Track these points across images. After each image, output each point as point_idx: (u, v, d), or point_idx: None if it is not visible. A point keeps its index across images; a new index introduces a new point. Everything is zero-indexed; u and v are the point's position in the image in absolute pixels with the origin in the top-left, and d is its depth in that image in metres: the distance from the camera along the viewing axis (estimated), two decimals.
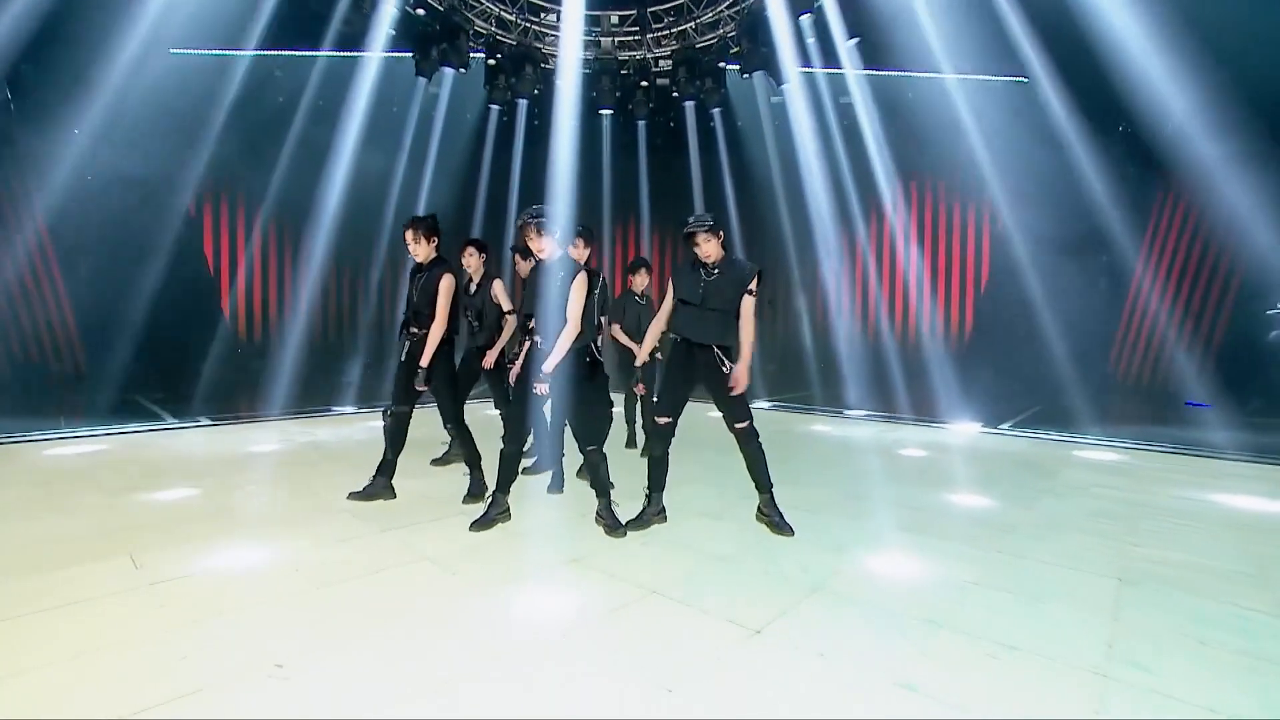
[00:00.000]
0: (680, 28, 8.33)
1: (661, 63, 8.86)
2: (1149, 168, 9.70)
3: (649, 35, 8.39)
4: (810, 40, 8.24)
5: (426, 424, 5.06)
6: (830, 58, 8.47)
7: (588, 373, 3.47)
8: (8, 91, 9.03)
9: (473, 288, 4.59)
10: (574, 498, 4.12)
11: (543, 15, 8.28)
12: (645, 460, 3.65)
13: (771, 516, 3.54)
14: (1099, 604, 2.60)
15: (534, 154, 9.68)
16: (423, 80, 10.21)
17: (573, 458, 4.55)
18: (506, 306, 4.64)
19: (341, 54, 9.66)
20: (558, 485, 4.28)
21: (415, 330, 3.84)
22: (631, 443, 5.76)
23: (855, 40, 7.96)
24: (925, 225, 11.72)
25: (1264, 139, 8.14)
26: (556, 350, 3.29)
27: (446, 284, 3.79)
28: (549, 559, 3.08)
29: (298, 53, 9.83)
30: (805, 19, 7.93)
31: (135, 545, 3.12)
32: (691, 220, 3.33)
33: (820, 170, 10.74)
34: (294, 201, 10.62)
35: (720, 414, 3.49)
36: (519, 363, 3.55)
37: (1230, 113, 8.07)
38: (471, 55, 8.35)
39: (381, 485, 3.89)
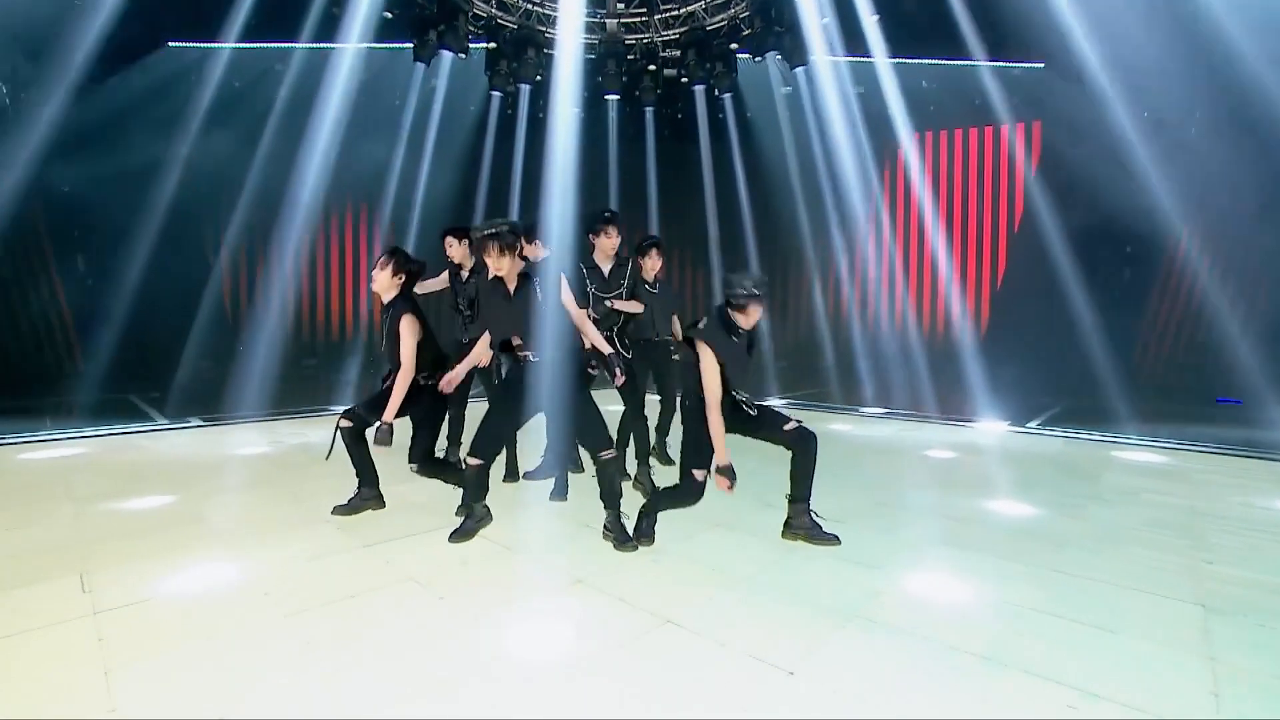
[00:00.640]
0: (689, 8, 7.97)
1: (670, 50, 8.49)
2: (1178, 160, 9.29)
3: (656, 16, 8.04)
4: (826, 20, 7.85)
5: None
6: (852, 41, 8.09)
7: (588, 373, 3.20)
8: (2, 86, 8.82)
9: (464, 275, 4.26)
10: (578, 506, 3.77)
11: None
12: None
13: (807, 528, 3.20)
14: (1187, 639, 2.24)
15: (537, 143, 9.34)
16: (427, 75, 9.91)
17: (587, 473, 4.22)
18: None
19: (341, 45, 9.41)
20: (561, 492, 3.95)
21: (386, 379, 3.51)
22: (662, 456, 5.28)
23: (876, 18, 7.57)
24: (941, 215, 11.31)
25: None
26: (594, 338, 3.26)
27: (407, 327, 3.32)
28: (549, 579, 2.75)
29: (298, 45, 9.58)
30: None
31: (90, 564, 2.81)
32: (748, 287, 2.90)
33: (837, 161, 10.35)
34: (293, 196, 10.33)
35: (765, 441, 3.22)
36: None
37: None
38: (472, 45, 8.05)
39: (367, 496, 3.56)
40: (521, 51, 7.87)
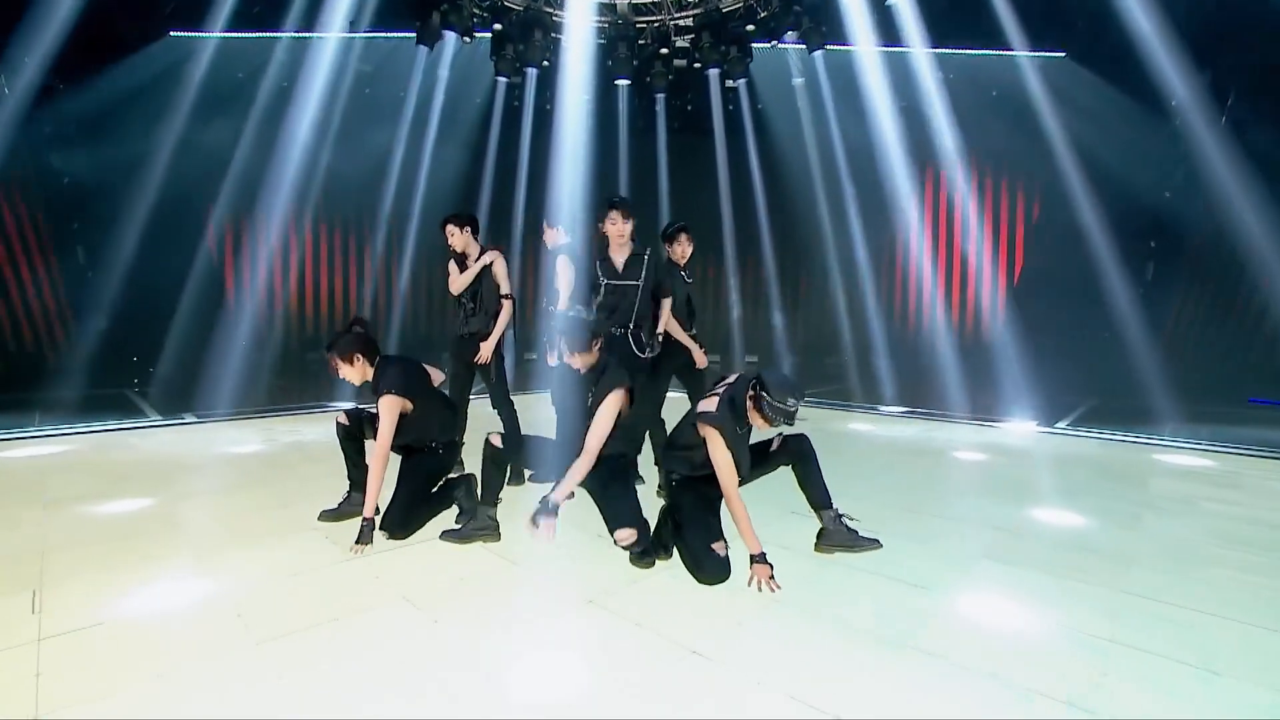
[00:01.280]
0: None
1: (683, 36, 8.16)
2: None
3: None
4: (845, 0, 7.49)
5: None
6: (881, 27, 7.75)
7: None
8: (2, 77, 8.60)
9: (468, 261, 3.96)
10: (588, 513, 3.46)
11: None
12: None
13: (844, 537, 2.90)
14: None
15: (545, 131, 9.04)
16: (431, 61, 9.63)
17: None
18: (505, 289, 4.00)
19: (344, 35, 9.19)
20: (548, 471, 3.68)
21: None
22: None
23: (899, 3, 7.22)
24: (956, 211, 10.93)
25: None
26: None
27: (385, 409, 2.95)
28: (557, 600, 2.45)
29: (299, 35, 9.35)
30: None
31: (48, 578, 2.54)
32: (789, 405, 2.54)
33: (859, 150, 10.02)
34: (296, 187, 10.08)
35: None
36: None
37: None
38: (478, 35, 7.76)
39: (358, 501, 3.27)
40: (529, 34, 7.55)
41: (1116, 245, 9.47)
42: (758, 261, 11.86)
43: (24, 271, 9.04)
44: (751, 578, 2.58)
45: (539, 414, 3.82)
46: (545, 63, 8.09)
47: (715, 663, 2.00)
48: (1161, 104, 9.28)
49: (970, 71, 9.92)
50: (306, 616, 2.26)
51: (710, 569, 2.54)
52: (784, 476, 2.98)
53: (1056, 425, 6.84)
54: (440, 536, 3.02)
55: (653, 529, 2.88)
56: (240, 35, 9.04)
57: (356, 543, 2.90)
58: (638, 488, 3.28)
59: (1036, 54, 9.54)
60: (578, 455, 2.76)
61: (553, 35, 7.71)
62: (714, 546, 2.58)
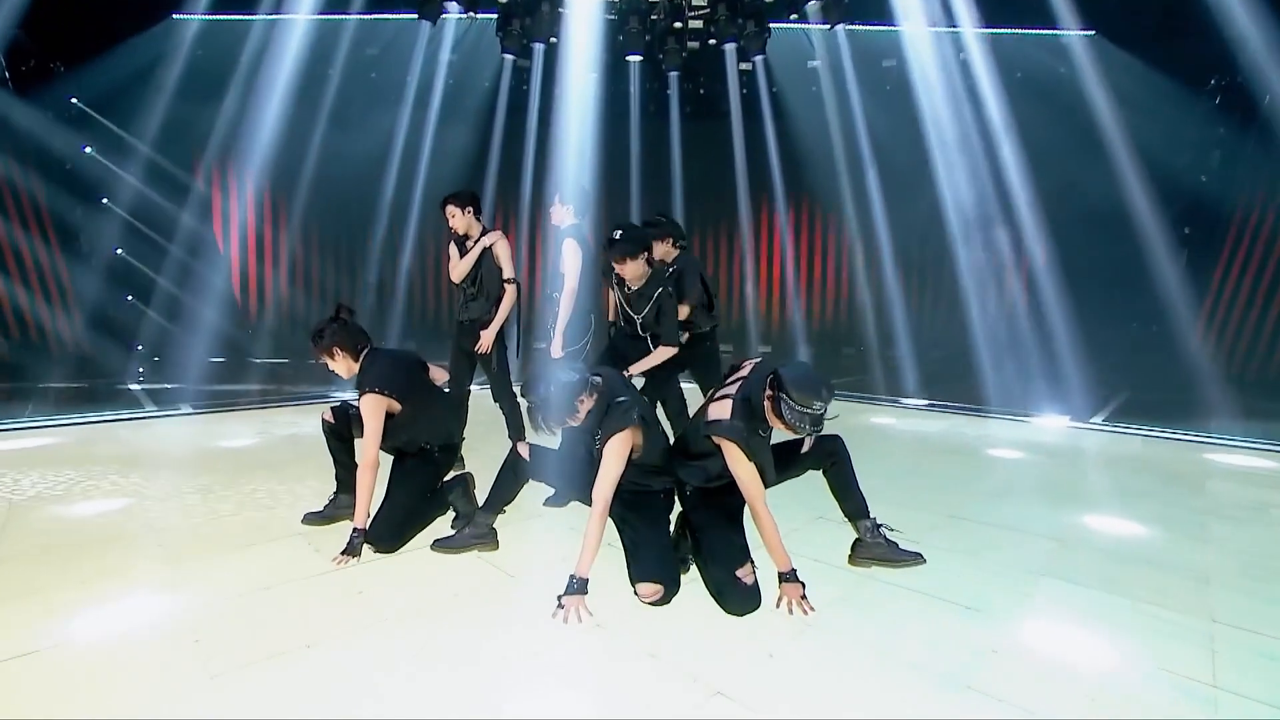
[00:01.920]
0: None
1: (696, 12, 7.76)
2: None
3: None
4: None
5: None
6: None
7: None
8: (2, 59, 8.37)
9: (468, 244, 3.64)
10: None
11: None
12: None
13: (882, 549, 2.59)
14: None
15: (553, 112, 8.69)
16: (434, 38, 9.30)
17: None
18: (509, 273, 3.69)
19: (344, 16, 8.91)
20: (560, 497, 3.39)
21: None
22: None
23: None
24: (977, 195, 10.47)
25: None
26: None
27: (368, 409, 2.66)
28: (560, 624, 2.15)
29: (301, 16, 9.06)
30: None
31: None
32: (815, 409, 2.14)
33: (881, 132, 9.60)
34: (300, 174, 9.83)
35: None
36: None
37: None
38: (481, 15, 7.44)
39: (345, 504, 2.99)
40: (535, 7, 7.20)
41: (1150, 227, 9.03)
42: (773, 247, 11.48)
43: (25, 257, 8.84)
44: (780, 598, 2.27)
45: None
46: (553, 39, 7.73)
47: (741, 705, 1.70)
48: (1198, 82, 8.81)
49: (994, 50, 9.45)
50: (273, 642, 1.98)
51: (737, 601, 2.22)
52: (811, 475, 2.66)
53: (1091, 420, 6.46)
54: (432, 546, 2.74)
55: (677, 536, 2.58)
56: (242, 18, 8.78)
57: (342, 553, 2.62)
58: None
59: (1065, 32, 9.08)
60: (585, 473, 2.43)
61: (559, 9, 7.34)
62: (740, 574, 2.25)
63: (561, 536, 2.96)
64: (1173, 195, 8.93)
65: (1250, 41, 7.47)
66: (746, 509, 2.37)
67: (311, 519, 3.02)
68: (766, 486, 2.37)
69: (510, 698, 1.72)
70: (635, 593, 2.27)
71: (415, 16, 7.85)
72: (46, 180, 8.69)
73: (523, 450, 2.60)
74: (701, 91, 10.02)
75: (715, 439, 2.31)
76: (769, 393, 2.24)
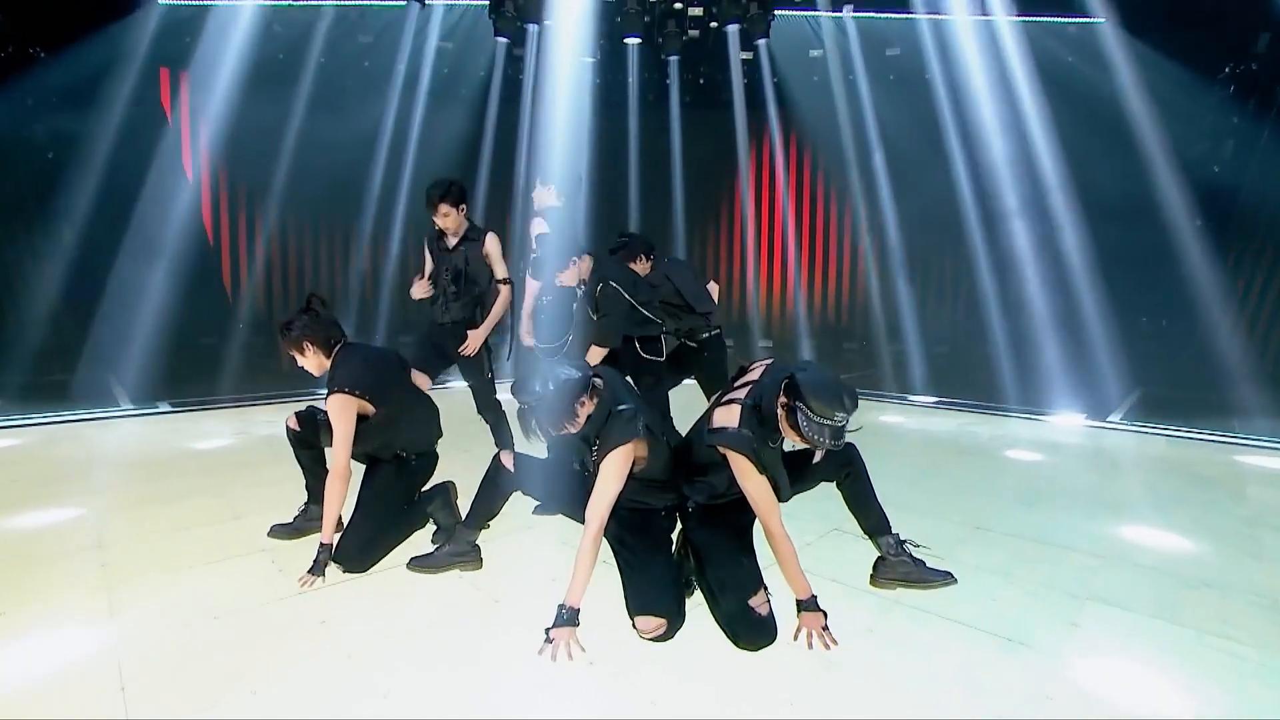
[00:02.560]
0: None
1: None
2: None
3: None
4: None
5: None
6: None
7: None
8: None
9: (451, 242, 3.33)
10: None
11: None
12: None
13: (907, 569, 2.33)
14: None
15: (547, 97, 8.38)
16: (437, 36, 9.03)
17: None
18: (501, 273, 3.38)
19: (338, 3, 8.63)
20: (549, 506, 3.13)
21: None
22: None
23: None
24: (984, 185, 10.18)
25: None
26: None
27: (336, 410, 2.38)
28: (548, 659, 1.87)
29: (296, 3, 8.78)
30: None
31: None
32: (836, 420, 1.87)
33: (888, 122, 9.31)
34: (289, 165, 9.52)
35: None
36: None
37: None
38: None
39: (315, 515, 2.72)
40: None
41: (1163, 218, 8.78)
42: (773, 239, 11.19)
43: (4, 248, 8.52)
44: (799, 630, 2.00)
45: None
46: (548, 21, 7.42)
47: None
48: (1211, 71, 8.54)
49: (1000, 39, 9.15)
50: (214, 687, 1.71)
51: (751, 635, 1.95)
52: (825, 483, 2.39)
53: (1109, 419, 6.21)
54: (408, 565, 2.46)
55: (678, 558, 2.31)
56: (231, 3, 8.47)
57: (308, 573, 2.35)
58: None
59: (1073, 19, 8.81)
60: (575, 488, 2.15)
61: None
62: (753, 603, 1.98)
63: (552, 554, 2.68)
64: (1185, 185, 8.67)
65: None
66: (757, 526, 2.10)
67: (278, 532, 2.75)
68: (781, 502, 2.10)
69: None
70: (633, 626, 2.00)
71: (403, 2, 7.55)
72: (27, 168, 8.39)
73: (506, 460, 2.32)
74: (701, 81, 9.73)
75: (721, 449, 2.04)
76: (783, 401, 1.95)
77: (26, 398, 5.77)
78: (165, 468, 3.92)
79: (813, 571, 2.17)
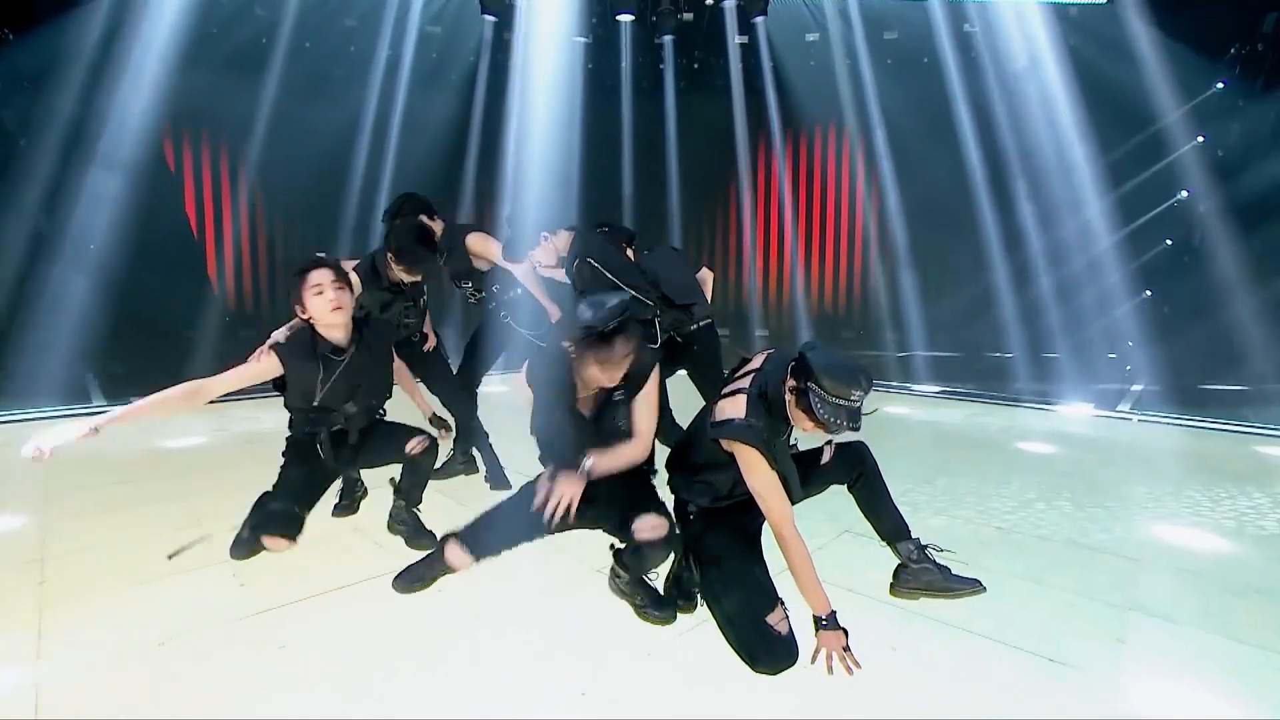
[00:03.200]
0: None
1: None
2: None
3: None
4: None
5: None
6: None
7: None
8: None
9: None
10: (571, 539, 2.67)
11: None
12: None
13: (930, 577, 2.10)
14: None
15: (534, 75, 8.08)
16: (423, 20, 8.73)
17: None
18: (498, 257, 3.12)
19: None
20: (500, 478, 3.09)
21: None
22: None
23: None
24: (985, 171, 9.96)
25: None
26: None
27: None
28: (534, 685, 1.65)
29: None
30: None
31: None
32: (851, 399, 1.69)
33: (890, 107, 9.07)
34: (279, 154, 9.22)
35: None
36: None
37: None
38: None
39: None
40: None
41: (1158, 201, 8.62)
42: (769, 225, 10.94)
43: None
44: (818, 651, 1.78)
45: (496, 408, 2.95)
46: None
47: None
48: (1215, 52, 8.33)
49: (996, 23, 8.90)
50: None
51: (770, 657, 1.71)
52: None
53: (1118, 409, 6.02)
54: (395, 583, 2.19)
55: (669, 573, 2.08)
56: None
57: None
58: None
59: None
60: (575, 455, 1.88)
61: None
62: (770, 620, 1.75)
63: (528, 554, 2.45)
64: (1187, 169, 8.50)
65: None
66: (767, 531, 1.88)
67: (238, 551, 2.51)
68: (792, 503, 1.88)
69: None
70: (633, 532, 1.76)
71: None
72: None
73: (455, 559, 1.89)
74: (696, 66, 9.43)
75: (726, 443, 1.81)
76: (792, 384, 1.74)
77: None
78: (129, 469, 3.68)
79: (824, 580, 1.95)
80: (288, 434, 2.25)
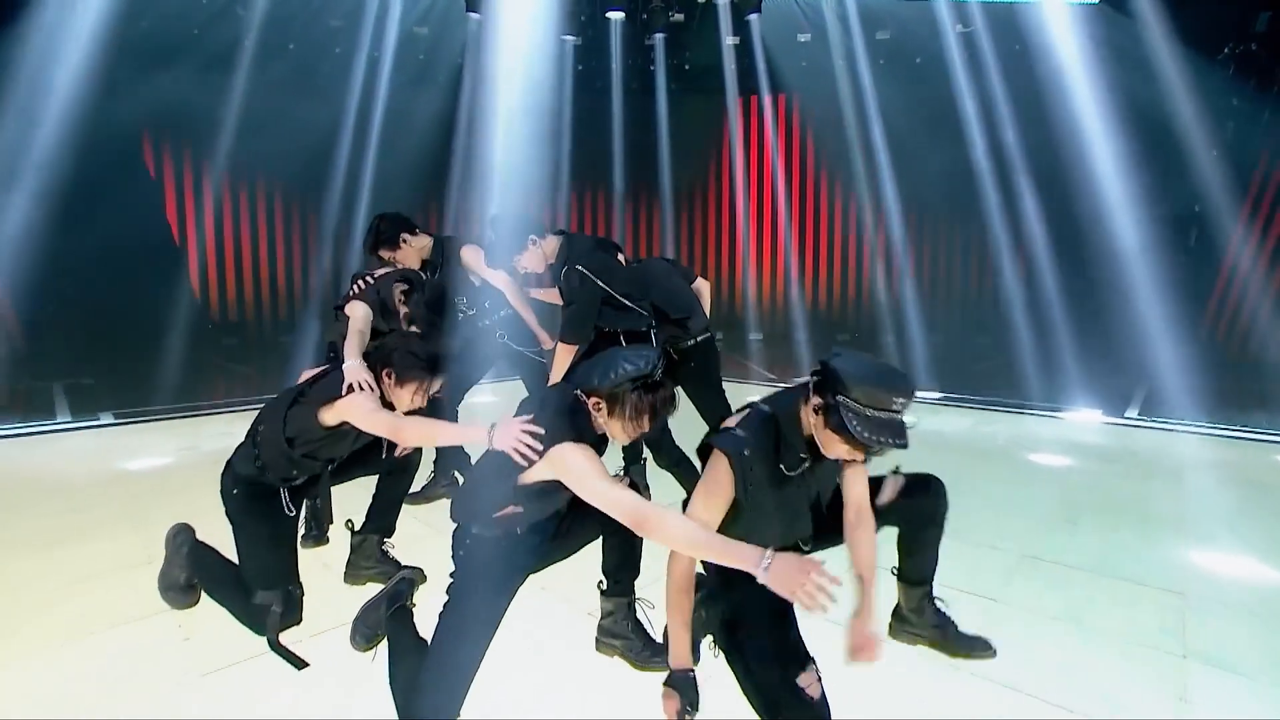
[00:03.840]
0: None
1: None
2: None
3: None
4: None
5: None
6: None
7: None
8: None
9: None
10: (554, 575, 2.41)
11: None
12: None
13: (932, 626, 1.87)
14: None
15: (518, 72, 7.86)
16: (404, 19, 8.50)
17: None
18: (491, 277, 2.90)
19: None
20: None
21: None
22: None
23: None
24: (983, 173, 9.80)
25: None
26: None
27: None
28: (532, 684, 1.40)
29: None
30: None
31: None
32: (890, 405, 1.44)
33: (886, 106, 8.90)
34: (261, 159, 8.94)
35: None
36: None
37: None
38: None
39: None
40: None
41: (1155, 207, 8.47)
42: (763, 227, 10.75)
43: None
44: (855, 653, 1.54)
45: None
46: None
47: None
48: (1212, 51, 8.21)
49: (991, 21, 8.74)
50: None
51: (789, 709, 1.47)
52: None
53: (1127, 415, 5.83)
54: (349, 638, 1.96)
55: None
56: None
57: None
58: None
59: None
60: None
61: None
62: (801, 682, 1.50)
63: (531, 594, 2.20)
64: (1183, 169, 8.35)
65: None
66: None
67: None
68: (787, 545, 1.63)
69: None
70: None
71: None
72: None
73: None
74: (687, 67, 9.24)
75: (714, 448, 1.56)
76: (816, 401, 1.48)
77: None
78: (81, 495, 3.40)
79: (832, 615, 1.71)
80: (246, 481, 2.03)
